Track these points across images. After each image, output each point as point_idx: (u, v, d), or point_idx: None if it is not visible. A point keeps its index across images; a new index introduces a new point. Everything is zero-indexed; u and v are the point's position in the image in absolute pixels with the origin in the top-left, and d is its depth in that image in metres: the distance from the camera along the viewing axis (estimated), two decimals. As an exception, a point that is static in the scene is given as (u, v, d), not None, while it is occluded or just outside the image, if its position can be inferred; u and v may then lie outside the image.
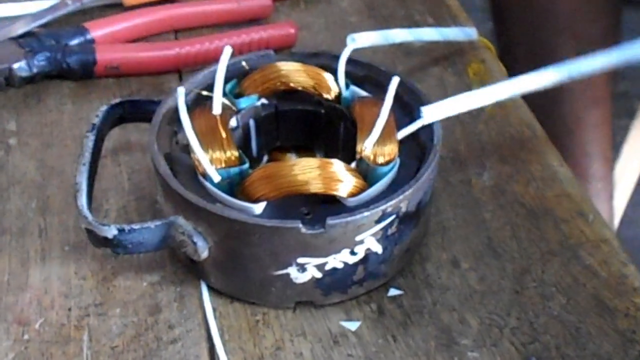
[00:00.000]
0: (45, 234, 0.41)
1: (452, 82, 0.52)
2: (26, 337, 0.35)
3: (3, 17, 0.57)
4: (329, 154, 0.43)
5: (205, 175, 0.36)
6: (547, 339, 0.35)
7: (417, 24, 0.58)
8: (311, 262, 0.34)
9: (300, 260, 0.34)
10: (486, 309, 0.37)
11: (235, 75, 0.42)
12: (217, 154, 0.36)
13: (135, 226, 0.35)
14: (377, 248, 0.35)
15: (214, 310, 0.37)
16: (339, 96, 0.42)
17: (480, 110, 0.49)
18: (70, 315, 0.36)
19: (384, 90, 0.39)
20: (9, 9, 0.58)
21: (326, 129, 0.43)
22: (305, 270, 0.35)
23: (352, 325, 0.36)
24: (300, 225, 0.33)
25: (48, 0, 0.58)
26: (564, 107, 0.83)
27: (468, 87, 0.51)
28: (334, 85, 0.42)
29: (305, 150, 0.44)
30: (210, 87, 0.40)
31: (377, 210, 0.34)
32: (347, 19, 0.59)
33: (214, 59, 0.51)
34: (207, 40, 0.53)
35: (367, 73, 0.43)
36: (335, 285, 0.36)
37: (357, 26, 0.58)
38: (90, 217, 0.35)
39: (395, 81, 0.39)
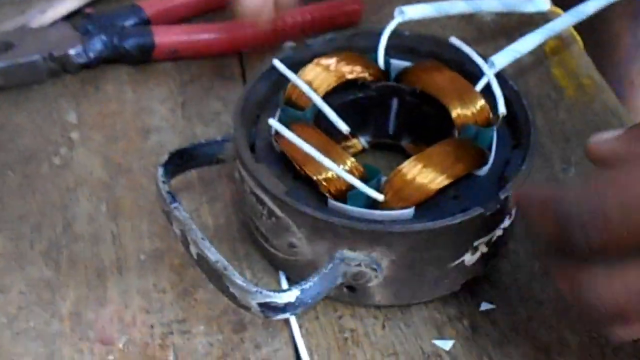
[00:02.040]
0: (119, 241, 0.39)
1: (529, 62, 0.49)
2: (111, 357, 0.34)
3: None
4: (377, 135, 0.43)
5: (344, 197, 0.34)
6: (651, 360, 0.34)
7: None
8: (483, 241, 0.35)
9: (476, 242, 0.34)
10: (585, 325, 0.35)
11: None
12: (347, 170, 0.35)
13: (313, 279, 0.32)
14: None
15: (300, 327, 0.35)
16: (380, 73, 0.41)
17: (561, 97, 0.47)
18: (154, 333, 0.35)
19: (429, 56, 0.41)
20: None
21: (374, 110, 0.42)
22: (477, 251, 0.35)
23: (446, 345, 0.35)
24: (483, 210, 0.33)
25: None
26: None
27: (545, 67, 0.49)
28: (375, 64, 0.41)
29: (345, 138, 0.42)
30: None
31: (525, 170, 0.35)
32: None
33: (277, 40, 0.50)
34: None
35: (409, 44, 0.43)
36: (495, 253, 0.36)
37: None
38: (264, 290, 0.31)
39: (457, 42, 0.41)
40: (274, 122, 0.36)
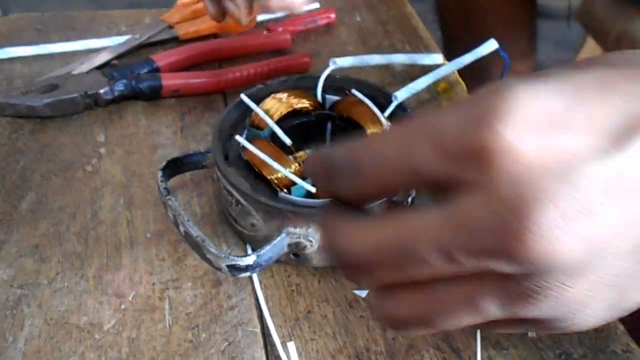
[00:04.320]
0: (132, 225, 0.39)
1: (426, 98, 0.50)
2: (123, 306, 0.34)
3: (88, 49, 0.55)
4: (317, 148, 0.42)
5: (289, 190, 0.34)
6: None
7: (397, 51, 0.55)
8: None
9: None
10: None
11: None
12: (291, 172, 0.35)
13: (266, 247, 0.32)
14: None
15: (260, 283, 0.35)
16: (318, 105, 0.41)
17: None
18: (155, 288, 0.35)
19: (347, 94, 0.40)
20: (92, 43, 0.55)
21: (315, 130, 0.42)
22: None
23: (362, 293, 0.35)
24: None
25: (122, 37, 0.55)
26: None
27: (437, 100, 0.49)
28: (314, 98, 0.41)
29: (296, 150, 0.41)
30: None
31: None
32: (346, 47, 0.56)
33: (249, 82, 0.50)
34: (245, 68, 0.50)
35: (339, 84, 0.42)
36: None
37: (353, 52, 0.55)
38: (231, 256, 0.31)
39: (357, 93, 0.40)
40: (240, 139, 0.36)
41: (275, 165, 0.34)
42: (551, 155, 0.17)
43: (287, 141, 0.37)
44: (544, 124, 0.17)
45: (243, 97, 0.39)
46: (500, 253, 0.17)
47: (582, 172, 0.17)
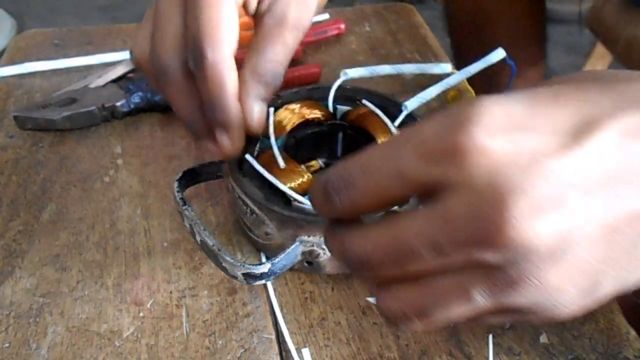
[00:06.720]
0: (149, 234, 0.40)
1: (436, 106, 0.50)
2: (141, 314, 0.35)
3: (105, 63, 0.56)
4: (329, 157, 0.43)
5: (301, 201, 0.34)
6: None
7: (407, 60, 0.56)
8: None
9: None
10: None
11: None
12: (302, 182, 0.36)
13: (280, 255, 0.33)
14: None
15: (274, 290, 0.36)
16: (330, 115, 0.41)
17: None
18: (172, 296, 0.36)
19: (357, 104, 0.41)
20: (109, 57, 0.56)
21: (327, 140, 0.42)
22: None
23: (374, 300, 0.35)
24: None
25: (137, 50, 0.56)
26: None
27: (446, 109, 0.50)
28: (326, 109, 0.41)
29: (308, 160, 0.43)
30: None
31: None
32: (356, 57, 0.57)
33: None
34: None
35: (350, 94, 0.42)
36: None
37: (363, 62, 0.56)
38: (246, 264, 0.32)
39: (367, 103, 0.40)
40: (249, 157, 0.36)
41: (273, 179, 0.35)
42: (519, 152, 0.19)
43: (282, 164, 0.36)
44: (509, 125, 0.20)
45: None
46: (482, 242, 0.19)
47: (548, 166, 0.19)
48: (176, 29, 0.32)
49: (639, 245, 0.21)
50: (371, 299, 0.35)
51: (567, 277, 0.21)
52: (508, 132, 0.19)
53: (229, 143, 0.34)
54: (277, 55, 0.34)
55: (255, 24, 0.35)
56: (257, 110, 0.34)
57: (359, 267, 0.22)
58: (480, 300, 0.21)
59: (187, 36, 0.32)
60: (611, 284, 0.22)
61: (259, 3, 0.34)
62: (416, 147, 0.20)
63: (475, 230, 0.19)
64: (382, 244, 0.21)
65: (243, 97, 0.34)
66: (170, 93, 0.34)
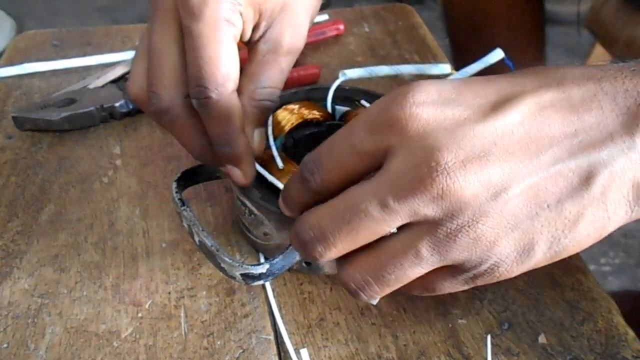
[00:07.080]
0: (148, 235, 0.40)
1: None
2: (140, 315, 0.35)
3: (104, 64, 0.56)
4: None
5: None
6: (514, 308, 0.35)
7: (406, 61, 0.56)
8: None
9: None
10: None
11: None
12: None
13: (279, 256, 0.32)
14: None
15: (273, 291, 0.36)
16: (328, 115, 0.41)
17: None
18: (170, 297, 0.36)
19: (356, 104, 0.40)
20: (108, 58, 0.57)
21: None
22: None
23: (374, 301, 0.35)
24: None
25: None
26: None
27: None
28: (324, 109, 0.41)
29: None
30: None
31: None
32: (355, 58, 0.57)
33: None
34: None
35: (348, 95, 0.42)
36: None
37: (362, 62, 0.56)
38: (244, 264, 0.31)
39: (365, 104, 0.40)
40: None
41: (272, 180, 0.35)
42: (446, 119, 0.23)
43: (280, 164, 0.36)
44: (440, 99, 0.24)
45: None
46: (421, 193, 0.23)
47: (471, 129, 0.23)
48: (174, 66, 0.31)
49: (567, 205, 0.23)
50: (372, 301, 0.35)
51: (501, 232, 0.23)
52: (438, 104, 0.23)
53: (241, 175, 0.34)
54: (273, 80, 0.34)
55: (249, 50, 0.35)
56: (257, 136, 0.35)
57: (316, 240, 0.25)
58: (427, 254, 0.24)
59: (189, 75, 0.31)
60: (547, 245, 0.24)
61: (253, 30, 0.34)
62: (364, 122, 0.24)
63: (413, 182, 0.23)
64: (335, 211, 0.25)
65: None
66: (174, 131, 0.33)
